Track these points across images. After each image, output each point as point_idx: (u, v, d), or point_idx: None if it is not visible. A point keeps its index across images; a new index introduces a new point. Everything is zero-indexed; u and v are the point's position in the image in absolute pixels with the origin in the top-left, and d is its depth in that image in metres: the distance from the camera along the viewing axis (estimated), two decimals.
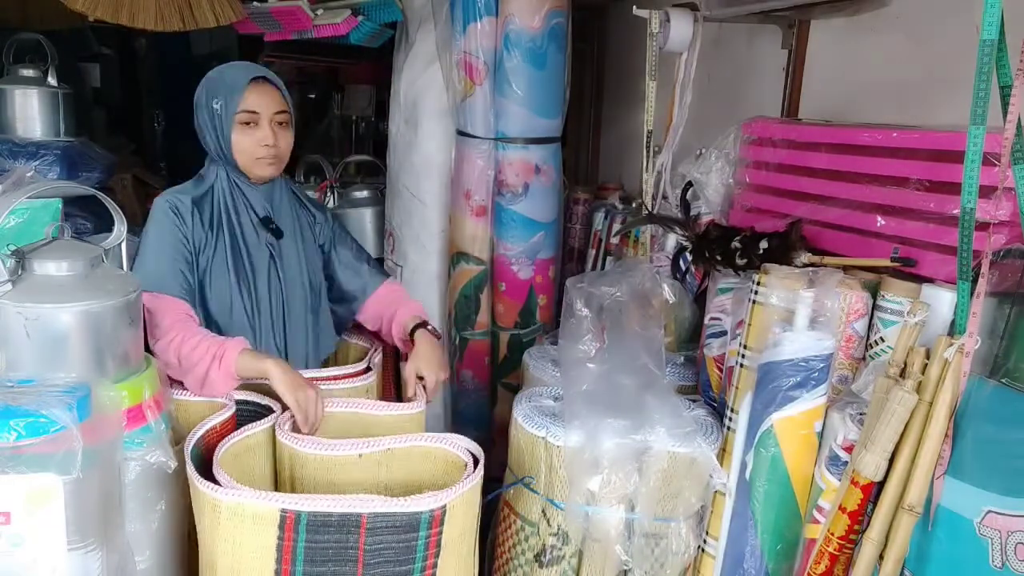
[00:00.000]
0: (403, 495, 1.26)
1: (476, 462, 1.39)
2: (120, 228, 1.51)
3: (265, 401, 1.53)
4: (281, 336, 1.73)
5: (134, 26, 2.50)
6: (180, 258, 1.61)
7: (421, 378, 1.69)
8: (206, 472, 1.29)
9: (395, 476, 1.45)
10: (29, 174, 1.66)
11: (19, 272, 1.31)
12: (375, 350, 1.84)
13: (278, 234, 1.72)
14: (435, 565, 1.31)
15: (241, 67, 1.68)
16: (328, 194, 3.33)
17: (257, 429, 1.44)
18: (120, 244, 1.51)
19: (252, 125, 1.63)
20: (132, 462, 1.36)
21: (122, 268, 1.52)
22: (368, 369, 1.75)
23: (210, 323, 1.66)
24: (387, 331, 1.85)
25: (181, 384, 1.57)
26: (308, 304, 1.77)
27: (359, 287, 1.86)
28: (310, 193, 3.27)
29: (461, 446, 1.44)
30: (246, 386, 1.57)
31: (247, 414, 1.53)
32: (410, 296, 1.95)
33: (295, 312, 1.74)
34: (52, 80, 2.53)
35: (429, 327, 1.78)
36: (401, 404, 1.60)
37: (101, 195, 1.51)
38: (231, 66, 1.70)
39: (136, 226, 2.51)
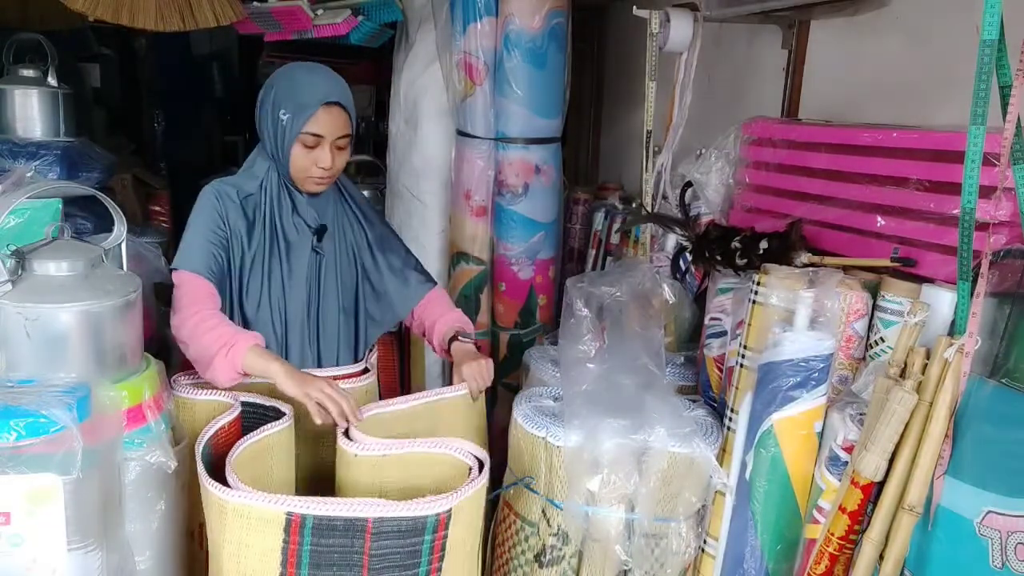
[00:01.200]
0: (401, 497, 1.24)
1: (481, 466, 1.39)
2: (120, 228, 1.51)
3: (270, 402, 1.53)
4: (315, 336, 1.72)
5: (134, 26, 2.50)
6: (216, 241, 1.60)
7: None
8: (217, 472, 1.29)
9: (392, 478, 1.42)
10: (29, 174, 1.66)
11: (19, 272, 1.31)
12: (370, 350, 1.83)
13: (320, 235, 1.70)
14: (440, 569, 1.31)
15: (317, 83, 1.61)
16: None
17: (275, 430, 1.43)
18: (120, 244, 1.52)
19: (313, 147, 1.61)
20: (132, 462, 1.36)
21: (122, 268, 1.52)
22: (366, 370, 1.75)
23: (242, 318, 1.65)
24: (429, 340, 1.85)
25: (192, 371, 1.58)
26: (340, 304, 1.74)
27: (406, 295, 1.83)
28: None
29: (466, 451, 1.42)
30: (251, 388, 1.58)
31: (253, 416, 1.53)
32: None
33: (328, 312, 1.73)
34: (52, 80, 2.53)
35: (462, 338, 1.75)
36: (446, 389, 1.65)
37: (101, 195, 1.51)
38: (306, 76, 1.63)
39: (136, 226, 2.52)
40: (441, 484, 1.39)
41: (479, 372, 1.67)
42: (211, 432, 1.40)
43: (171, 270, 1.61)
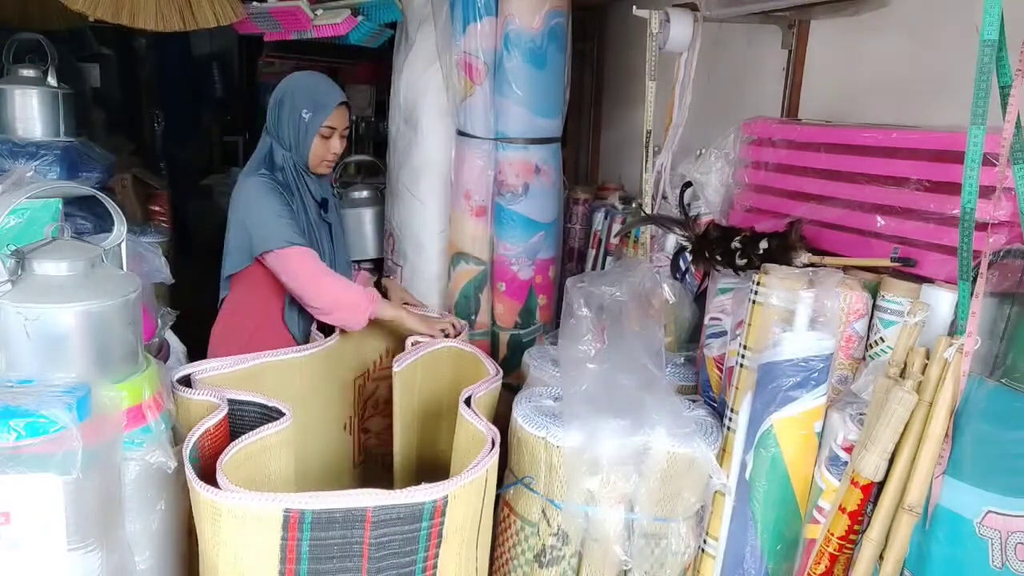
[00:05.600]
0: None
1: (493, 445, 1.43)
2: (120, 228, 1.51)
3: (272, 403, 1.53)
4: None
5: (134, 26, 2.49)
6: (293, 217, 1.93)
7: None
8: (207, 475, 1.29)
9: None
10: (29, 174, 1.66)
11: (19, 272, 1.31)
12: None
13: (327, 209, 2.10)
14: (437, 555, 1.32)
15: (330, 89, 2.05)
16: None
17: (274, 430, 1.44)
18: (120, 244, 1.51)
19: (329, 137, 2.01)
20: (132, 462, 1.36)
21: (122, 268, 1.52)
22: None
23: None
24: None
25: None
26: (349, 266, 2.21)
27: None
28: None
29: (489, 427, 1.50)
30: (251, 386, 1.59)
31: (255, 415, 1.53)
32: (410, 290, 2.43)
33: (343, 265, 2.14)
34: (52, 80, 2.53)
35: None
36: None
37: (101, 195, 1.51)
38: (322, 82, 2.08)
39: (136, 226, 2.54)
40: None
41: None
42: (197, 435, 1.40)
43: (267, 251, 1.89)
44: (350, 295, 1.93)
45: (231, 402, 1.55)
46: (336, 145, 2.03)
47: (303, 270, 1.90)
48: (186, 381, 1.63)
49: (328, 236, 2.09)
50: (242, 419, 1.54)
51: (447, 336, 1.98)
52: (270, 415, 1.52)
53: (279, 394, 1.58)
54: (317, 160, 2.02)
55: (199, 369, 1.65)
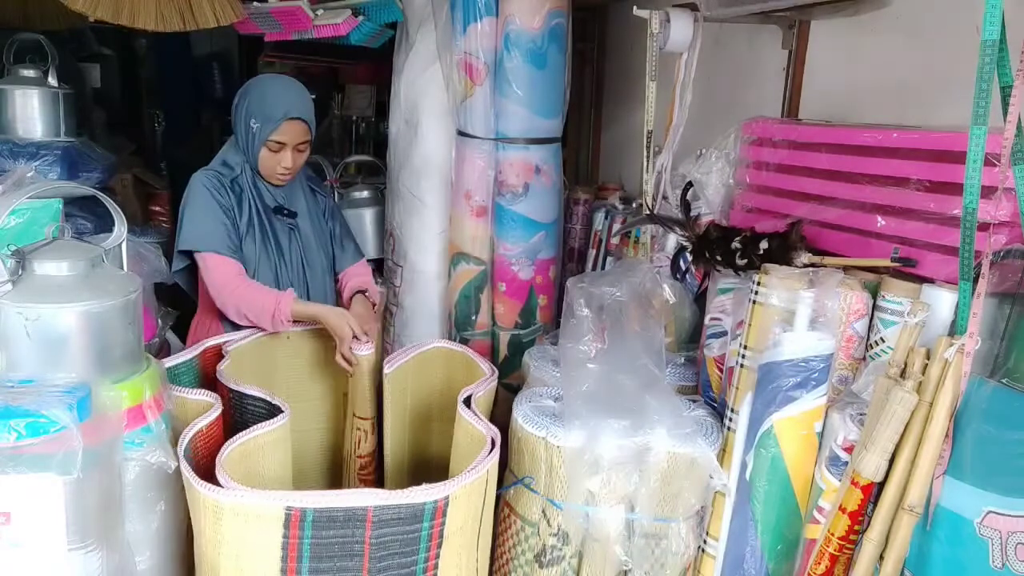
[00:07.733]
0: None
1: (493, 446, 1.42)
2: (120, 228, 1.51)
3: (276, 400, 1.53)
4: (304, 291, 2.02)
5: (134, 26, 2.49)
6: (224, 219, 1.88)
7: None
8: (202, 474, 1.29)
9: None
10: (29, 174, 1.66)
11: (19, 272, 1.31)
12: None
13: (291, 215, 2.03)
14: (438, 556, 1.32)
15: (282, 100, 1.90)
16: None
17: (268, 428, 1.44)
18: (120, 244, 1.51)
19: (277, 151, 1.92)
20: (132, 462, 1.36)
21: (122, 268, 1.52)
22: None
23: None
24: (340, 291, 2.18)
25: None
26: (324, 266, 2.10)
27: (342, 257, 2.18)
28: None
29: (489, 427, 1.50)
30: (261, 382, 1.61)
31: (261, 412, 1.53)
32: (372, 282, 2.22)
33: (316, 273, 2.07)
34: (52, 80, 2.53)
35: (366, 293, 2.09)
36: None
37: (101, 195, 1.51)
38: (278, 90, 1.94)
39: (136, 226, 2.55)
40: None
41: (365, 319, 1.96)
42: (191, 434, 1.40)
43: (190, 252, 1.87)
44: (258, 303, 1.82)
45: (240, 395, 1.56)
46: (287, 160, 1.92)
47: (215, 279, 1.85)
48: None
49: (288, 240, 2.01)
50: (248, 414, 1.55)
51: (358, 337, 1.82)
52: (272, 412, 1.52)
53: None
54: (268, 172, 1.95)
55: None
